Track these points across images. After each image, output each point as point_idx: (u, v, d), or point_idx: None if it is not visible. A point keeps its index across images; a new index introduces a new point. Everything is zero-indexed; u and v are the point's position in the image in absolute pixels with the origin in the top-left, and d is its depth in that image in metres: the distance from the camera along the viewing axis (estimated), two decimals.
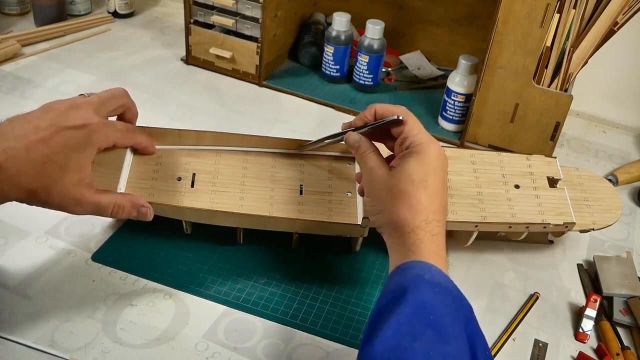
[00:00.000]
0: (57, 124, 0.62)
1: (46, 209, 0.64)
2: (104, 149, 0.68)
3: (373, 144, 0.67)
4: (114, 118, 0.72)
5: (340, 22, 1.09)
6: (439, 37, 1.21)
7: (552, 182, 0.79)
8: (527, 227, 0.75)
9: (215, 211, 0.72)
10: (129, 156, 0.73)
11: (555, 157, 0.82)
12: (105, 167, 0.69)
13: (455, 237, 0.82)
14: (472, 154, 0.80)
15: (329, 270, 0.77)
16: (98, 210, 0.65)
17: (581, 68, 0.94)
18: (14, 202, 0.62)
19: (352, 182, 0.78)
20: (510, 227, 0.75)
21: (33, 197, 0.61)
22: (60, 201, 0.63)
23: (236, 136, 0.79)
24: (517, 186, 0.78)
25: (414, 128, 0.65)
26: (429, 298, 0.53)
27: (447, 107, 1.04)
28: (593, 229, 0.79)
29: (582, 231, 0.79)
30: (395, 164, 0.64)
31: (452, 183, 0.77)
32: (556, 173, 0.80)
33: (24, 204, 0.63)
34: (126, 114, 0.73)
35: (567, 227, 0.76)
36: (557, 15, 0.90)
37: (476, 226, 0.74)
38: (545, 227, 0.75)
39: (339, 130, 0.72)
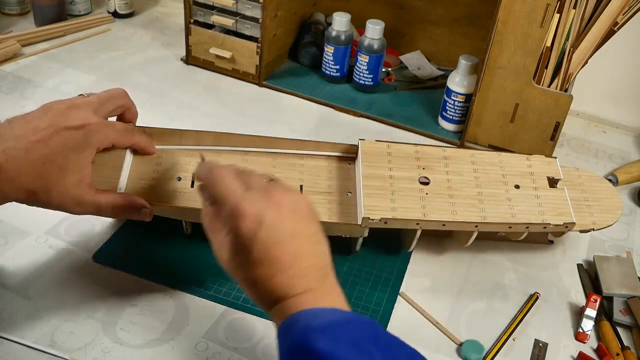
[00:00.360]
0: (57, 125, 0.62)
1: (46, 209, 0.64)
2: (104, 150, 0.68)
3: None
4: (113, 118, 0.72)
5: (340, 22, 1.09)
6: (439, 37, 1.21)
7: (552, 182, 0.79)
8: (527, 227, 0.75)
9: None
10: (128, 156, 0.73)
11: (556, 157, 0.82)
12: (106, 168, 0.69)
13: (455, 237, 0.82)
14: (472, 154, 0.80)
15: None
16: (97, 211, 0.65)
17: (581, 68, 0.94)
18: (14, 202, 0.62)
19: (352, 182, 0.78)
20: (510, 227, 0.75)
21: (33, 198, 0.61)
22: (60, 201, 0.63)
23: (236, 136, 0.79)
24: (517, 186, 0.78)
25: None
26: (326, 346, 0.48)
27: (447, 107, 1.04)
28: (593, 229, 0.79)
29: (582, 231, 0.79)
30: None
31: (452, 183, 0.77)
32: (556, 173, 0.80)
33: (24, 205, 0.63)
34: (126, 115, 0.73)
35: (567, 227, 0.76)
36: (557, 15, 0.90)
37: (476, 226, 0.74)
38: (545, 227, 0.75)
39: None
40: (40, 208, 0.63)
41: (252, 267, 0.53)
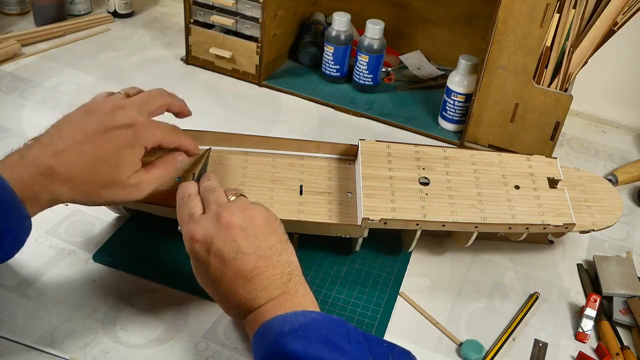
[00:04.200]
0: (105, 125, 0.63)
1: (47, 209, 0.64)
2: (151, 150, 0.68)
3: None
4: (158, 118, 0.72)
5: (340, 22, 1.09)
6: (439, 37, 1.21)
7: (553, 183, 0.79)
8: (527, 228, 0.75)
9: None
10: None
11: (556, 158, 0.82)
12: None
13: (455, 238, 0.82)
14: (472, 154, 0.80)
15: (329, 270, 0.77)
16: (160, 180, 0.67)
17: (581, 68, 0.94)
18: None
19: (352, 182, 0.78)
20: (510, 228, 0.75)
21: (89, 198, 0.62)
22: (122, 196, 0.64)
23: (236, 136, 0.79)
24: (517, 187, 0.78)
25: None
26: (298, 348, 0.52)
27: (447, 107, 1.04)
28: (593, 230, 0.79)
29: (582, 232, 0.79)
30: None
31: (453, 184, 0.77)
32: (556, 174, 0.80)
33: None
34: (172, 110, 0.72)
35: (567, 228, 0.76)
36: (557, 15, 0.90)
37: (476, 227, 0.74)
38: (545, 228, 0.75)
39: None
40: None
41: (214, 286, 0.59)
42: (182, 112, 0.73)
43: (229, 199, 0.63)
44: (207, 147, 0.78)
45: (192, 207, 0.62)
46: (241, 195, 0.64)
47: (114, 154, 0.62)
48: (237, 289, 0.58)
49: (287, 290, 0.58)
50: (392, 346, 0.57)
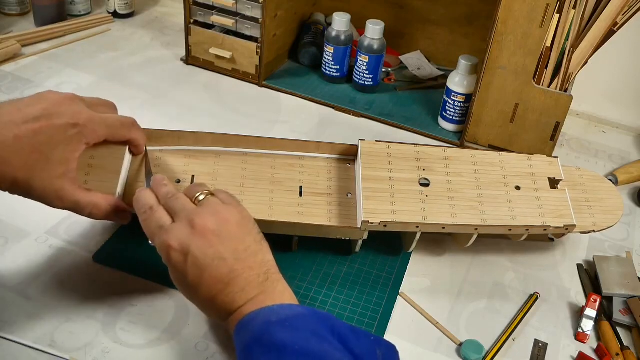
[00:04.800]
0: (48, 115, 0.61)
1: (47, 210, 0.65)
2: (99, 147, 0.68)
3: None
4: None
5: (340, 22, 1.09)
6: (439, 37, 1.21)
7: (553, 183, 0.79)
8: (527, 230, 0.75)
9: None
10: (127, 159, 0.72)
11: (557, 157, 0.82)
12: (104, 171, 0.69)
13: (455, 238, 0.82)
14: (473, 154, 0.80)
15: (329, 270, 0.77)
16: (76, 208, 0.65)
17: (581, 68, 0.94)
18: (14, 202, 0.62)
19: (352, 183, 0.78)
20: (510, 229, 0.75)
21: (16, 186, 0.61)
22: (42, 192, 0.62)
23: (235, 137, 0.79)
24: (517, 187, 0.78)
25: None
26: (285, 337, 0.52)
27: (447, 107, 1.04)
28: (594, 231, 0.79)
29: (582, 232, 0.79)
30: None
31: (453, 185, 0.77)
32: (557, 174, 0.80)
33: (24, 205, 0.63)
34: (130, 145, 0.72)
35: (567, 229, 0.76)
36: (557, 15, 0.90)
37: (476, 229, 0.74)
38: (545, 230, 0.75)
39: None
40: (39, 208, 0.63)
41: (193, 292, 0.59)
42: (136, 151, 0.73)
43: (197, 199, 0.62)
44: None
45: (159, 219, 0.61)
46: (209, 193, 0.63)
47: (48, 146, 0.61)
48: (215, 294, 0.58)
49: (265, 289, 0.58)
50: (379, 340, 0.57)
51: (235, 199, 0.63)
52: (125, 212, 0.69)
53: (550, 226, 0.75)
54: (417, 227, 0.73)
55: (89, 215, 0.66)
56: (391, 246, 0.81)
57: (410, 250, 0.79)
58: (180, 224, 0.59)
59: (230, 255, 0.58)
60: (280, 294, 0.59)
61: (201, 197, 0.62)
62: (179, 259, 0.58)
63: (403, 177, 0.76)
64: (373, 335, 0.57)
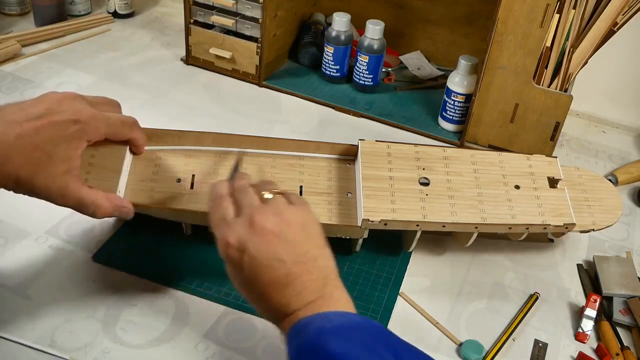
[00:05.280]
0: (50, 113, 0.62)
1: (47, 210, 0.65)
2: (101, 146, 0.68)
3: None
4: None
5: (340, 22, 1.09)
6: (439, 37, 1.21)
7: (553, 183, 0.79)
8: (527, 229, 0.75)
9: None
10: (128, 158, 0.72)
11: (556, 157, 0.82)
12: (105, 170, 0.69)
13: (455, 237, 0.82)
14: (473, 154, 0.80)
15: None
16: (79, 205, 0.64)
17: (581, 68, 0.94)
18: (14, 202, 0.62)
19: (352, 183, 0.78)
20: (510, 228, 0.75)
21: (20, 185, 0.61)
22: (46, 190, 0.62)
23: (235, 137, 0.79)
24: (517, 187, 0.78)
25: None
26: (339, 347, 0.51)
27: (447, 107, 1.04)
28: (593, 230, 0.79)
29: (582, 231, 0.79)
30: None
31: (453, 184, 0.77)
32: (557, 173, 0.80)
33: (23, 205, 0.63)
34: (130, 144, 0.72)
35: (567, 228, 0.76)
36: (557, 15, 0.90)
37: (476, 227, 0.74)
38: (545, 228, 0.75)
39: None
40: (40, 208, 0.63)
41: (248, 289, 0.58)
42: (137, 150, 0.73)
43: (264, 198, 0.61)
44: (239, 149, 0.78)
45: (225, 209, 0.60)
46: (278, 192, 0.62)
47: (51, 144, 0.61)
48: (271, 294, 0.56)
49: (323, 294, 0.57)
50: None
51: (303, 202, 0.62)
52: (127, 209, 0.68)
53: (550, 224, 0.75)
54: (418, 225, 0.73)
55: (92, 215, 0.66)
56: (391, 246, 0.81)
57: (410, 250, 0.79)
58: (241, 219, 0.58)
59: (288, 257, 0.56)
60: (336, 300, 0.57)
61: (268, 196, 0.61)
62: (235, 255, 0.57)
63: (403, 177, 0.76)
64: (428, 357, 0.55)
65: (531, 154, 0.82)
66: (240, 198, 0.61)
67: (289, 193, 0.63)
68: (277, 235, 0.57)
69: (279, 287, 0.56)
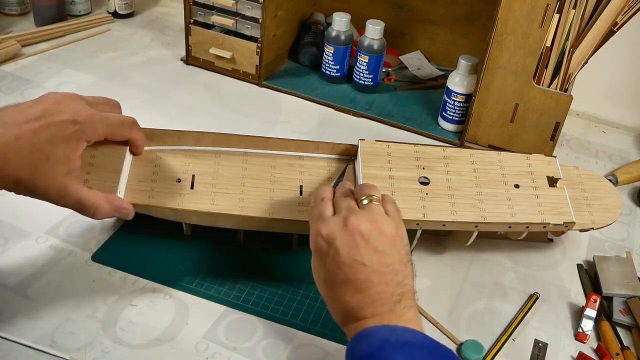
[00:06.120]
0: (48, 114, 0.62)
1: (47, 210, 0.65)
2: (99, 144, 0.68)
3: None
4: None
5: (340, 22, 1.09)
6: (439, 37, 1.21)
7: (552, 182, 0.79)
8: (527, 227, 0.75)
9: (216, 214, 0.72)
10: (127, 158, 0.72)
11: (555, 156, 0.82)
12: (105, 170, 0.69)
13: (455, 237, 0.82)
14: (472, 153, 0.80)
15: None
16: (79, 207, 0.64)
17: (581, 68, 0.94)
18: (14, 202, 0.62)
19: (352, 182, 0.78)
20: (510, 227, 0.75)
21: (20, 186, 0.61)
22: (46, 191, 0.62)
23: (235, 137, 0.79)
24: (517, 186, 0.78)
25: None
26: None
27: (447, 107, 1.04)
28: (592, 228, 0.79)
29: (581, 230, 0.79)
30: None
31: (452, 183, 0.77)
32: (556, 172, 0.80)
33: (23, 205, 0.63)
34: (130, 144, 0.72)
35: (566, 226, 0.76)
36: (557, 15, 0.90)
37: (476, 226, 0.74)
38: (545, 227, 0.75)
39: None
40: (40, 208, 0.63)
41: (327, 284, 0.59)
42: (136, 151, 0.74)
43: (362, 203, 0.62)
44: (348, 158, 0.79)
45: (323, 210, 0.63)
46: (376, 200, 0.63)
47: (50, 145, 0.61)
48: (345, 294, 0.58)
49: (394, 310, 0.57)
50: None
51: (398, 213, 0.63)
52: (127, 210, 0.68)
53: (549, 223, 0.75)
54: (418, 224, 0.73)
55: (92, 216, 0.66)
56: None
57: (410, 250, 0.79)
58: (336, 217, 0.61)
59: (371, 263, 0.57)
60: (407, 320, 0.57)
61: (365, 202, 0.62)
62: (323, 245, 0.59)
63: (403, 176, 0.76)
64: None
65: (530, 154, 0.82)
66: (339, 202, 0.63)
67: (387, 200, 0.64)
68: (366, 240, 0.58)
69: (355, 289, 0.57)
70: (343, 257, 0.58)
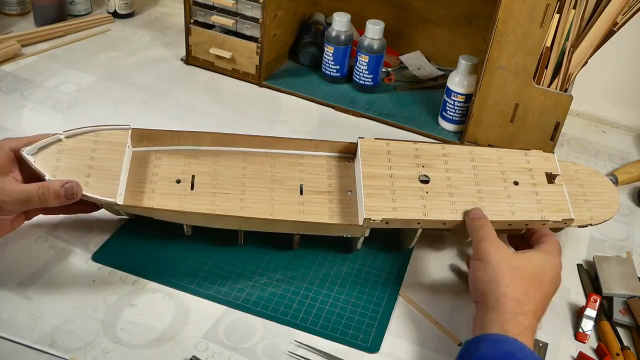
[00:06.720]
0: None
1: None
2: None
3: None
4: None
5: (340, 22, 1.09)
6: (439, 37, 1.21)
7: (551, 178, 0.79)
8: (527, 225, 0.75)
9: (217, 215, 0.72)
10: (127, 160, 0.72)
11: (554, 153, 0.82)
12: (104, 173, 0.69)
13: (455, 234, 0.82)
14: (471, 150, 0.80)
15: (329, 270, 0.77)
16: (26, 198, 0.66)
17: (581, 68, 0.94)
18: None
19: (352, 181, 0.78)
20: (510, 224, 0.75)
21: None
22: None
23: (235, 136, 0.79)
24: (516, 183, 0.78)
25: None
26: None
27: (447, 107, 1.04)
28: (591, 224, 0.79)
29: (580, 226, 0.79)
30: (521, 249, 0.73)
31: (452, 181, 0.77)
32: (554, 168, 0.80)
33: None
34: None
35: (565, 223, 0.76)
36: (557, 15, 0.90)
37: None
38: (544, 224, 0.75)
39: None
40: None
41: (478, 287, 0.67)
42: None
43: None
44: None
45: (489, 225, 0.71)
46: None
47: None
48: (482, 305, 0.66)
49: (519, 336, 0.62)
50: None
51: (558, 253, 0.72)
52: (70, 184, 0.67)
53: (549, 220, 0.75)
54: (419, 223, 0.73)
55: (41, 201, 0.66)
56: (391, 245, 0.81)
57: (411, 247, 0.79)
58: (503, 246, 0.69)
59: (513, 289, 0.65)
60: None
61: None
62: (476, 262, 0.68)
63: (403, 174, 0.76)
64: None
65: (528, 150, 0.81)
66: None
67: (549, 239, 0.73)
68: (512, 268, 0.66)
69: (489, 306, 0.64)
70: (490, 274, 0.66)
